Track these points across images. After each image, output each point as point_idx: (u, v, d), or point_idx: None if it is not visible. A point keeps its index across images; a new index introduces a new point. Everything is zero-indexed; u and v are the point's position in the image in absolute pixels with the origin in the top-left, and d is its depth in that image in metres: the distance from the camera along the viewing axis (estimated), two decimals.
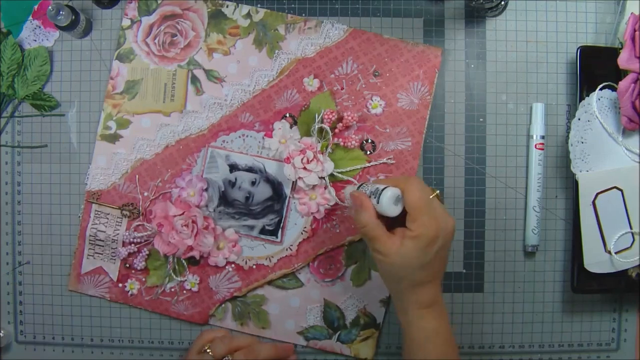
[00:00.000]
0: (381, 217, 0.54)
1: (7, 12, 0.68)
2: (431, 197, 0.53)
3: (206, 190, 0.67)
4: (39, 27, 0.69)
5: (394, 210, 0.53)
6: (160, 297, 0.68)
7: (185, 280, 0.68)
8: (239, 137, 0.67)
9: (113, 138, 0.68)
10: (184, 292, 0.68)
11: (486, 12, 0.66)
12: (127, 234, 0.67)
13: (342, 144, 0.66)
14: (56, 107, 0.69)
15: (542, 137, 0.66)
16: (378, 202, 0.53)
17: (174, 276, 0.68)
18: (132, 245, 0.67)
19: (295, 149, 0.64)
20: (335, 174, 0.66)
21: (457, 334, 0.68)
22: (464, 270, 0.68)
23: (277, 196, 0.67)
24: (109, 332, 0.70)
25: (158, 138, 0.68)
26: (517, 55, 0.67)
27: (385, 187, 0.53)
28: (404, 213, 0.54)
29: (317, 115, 0.66)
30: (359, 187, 0.57)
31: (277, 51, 0.67)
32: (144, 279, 0.68)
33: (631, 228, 0.63)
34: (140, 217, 0.68)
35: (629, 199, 0.62)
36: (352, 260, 0.67)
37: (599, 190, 0.63)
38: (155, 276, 0.68)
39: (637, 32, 0.60)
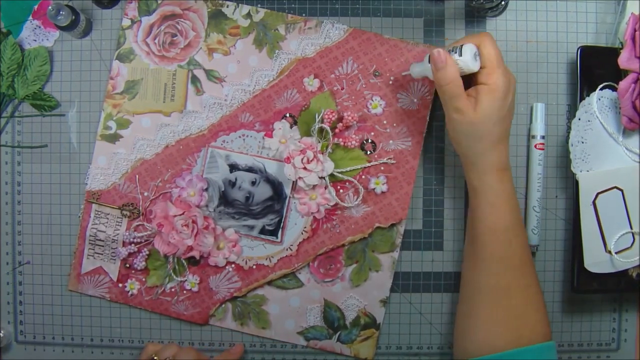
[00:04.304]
0: None
1: (7, 12, 0.68)
2: None
3: (206, 190, 0.67)
4: (39, 27, 0.69)
5: (475, 65, 0.55)
6: (160, 297, 0.68)
7: (185, 280, 0.68)
8: (239, 137, 0.67)
9: (113, 138, 0.68)
10: (184, 292, 0.68)
11: (486, 12, 0.66)
12: (127, 234, 0.67)
13: (342, 144, 0.66)
14: (56, 107, 0.69)
15: (543, 137, 0.66)
16: (461, 56, 0.55)
17: (174, 276, 0.68)
18: (132, 245, 0.67)
19: (295, 148, 0.64)
20: (335, 173, 0.66)
21: None
22: None
23: (277, 196, 0.67)
24: (109, 332, 0.70)
25: (158, 138, 0.68)
26: (517, 55, 0.67)
27: (463, 44, 0.55)
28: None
29: (317, 115, 0.66)
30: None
31: (277, 51, 0.67)
32: (144, 279, 0.68)
33: (631, 228, 0.63)
34: (140, 217, 0.68)
35: (629, 199, 0.62)
36: (352, 260, 0.67)
37: (599, 190, 0.63)
38: (155, 276, 0.68)
39: (637, 32, 0.60)
